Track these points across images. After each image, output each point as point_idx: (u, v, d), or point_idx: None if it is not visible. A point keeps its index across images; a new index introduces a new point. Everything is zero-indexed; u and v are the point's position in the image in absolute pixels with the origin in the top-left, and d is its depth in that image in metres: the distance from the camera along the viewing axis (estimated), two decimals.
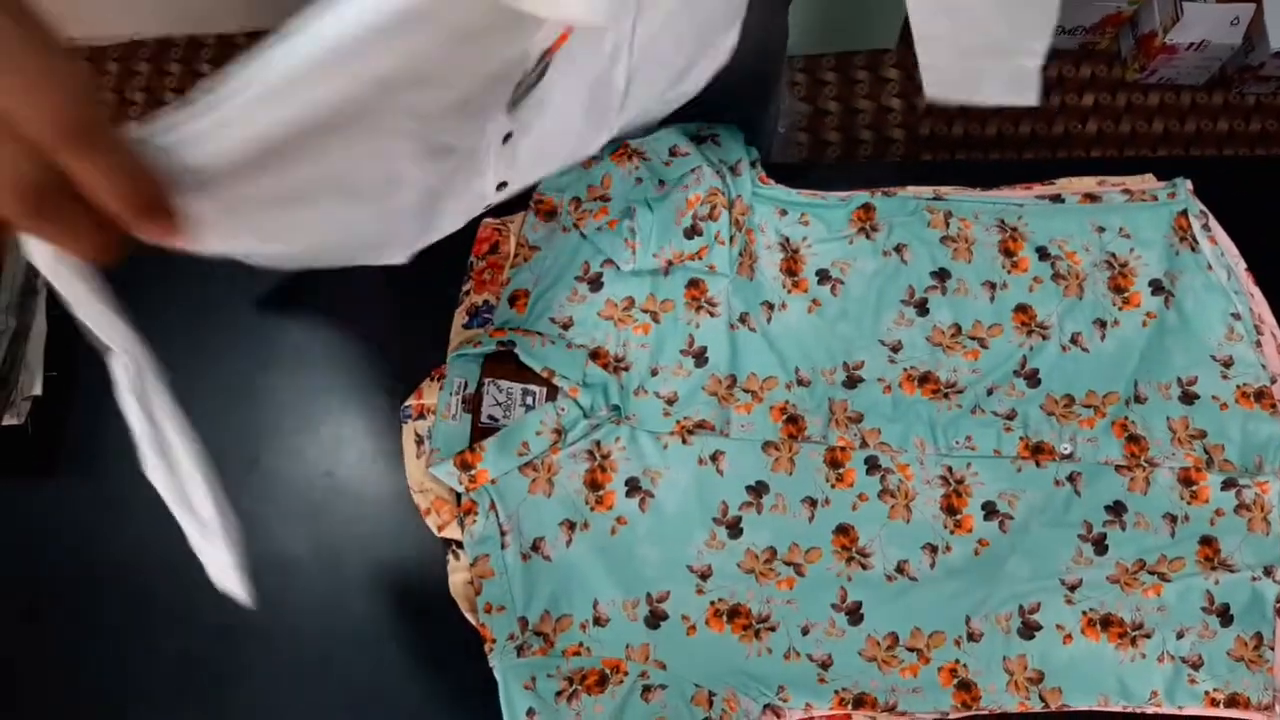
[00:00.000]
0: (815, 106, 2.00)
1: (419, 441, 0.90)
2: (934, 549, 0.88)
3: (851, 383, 0.93)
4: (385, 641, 0.87)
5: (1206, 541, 0.87)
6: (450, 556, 0.87)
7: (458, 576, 0.87)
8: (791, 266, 0.97)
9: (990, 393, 0.92)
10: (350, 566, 0.90)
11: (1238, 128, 2.04)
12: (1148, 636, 0.85)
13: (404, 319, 0.97)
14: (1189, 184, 1.00)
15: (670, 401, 0.92)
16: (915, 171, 1.10)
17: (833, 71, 2.03)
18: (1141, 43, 1.98)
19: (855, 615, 0.86)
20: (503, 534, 0.86)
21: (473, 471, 0.87)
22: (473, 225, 0.97)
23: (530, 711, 0.81)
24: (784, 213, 0.99)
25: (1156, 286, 0.96)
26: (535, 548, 0.87)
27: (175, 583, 0.89)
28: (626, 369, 0.93)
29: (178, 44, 2.05)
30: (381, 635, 0.87)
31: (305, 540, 0.91)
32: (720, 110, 0.99)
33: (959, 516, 0.89)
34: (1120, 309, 0.96)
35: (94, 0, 2.00)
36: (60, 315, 0.97)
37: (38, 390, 0.93)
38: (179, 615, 0.88)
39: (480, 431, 0.89)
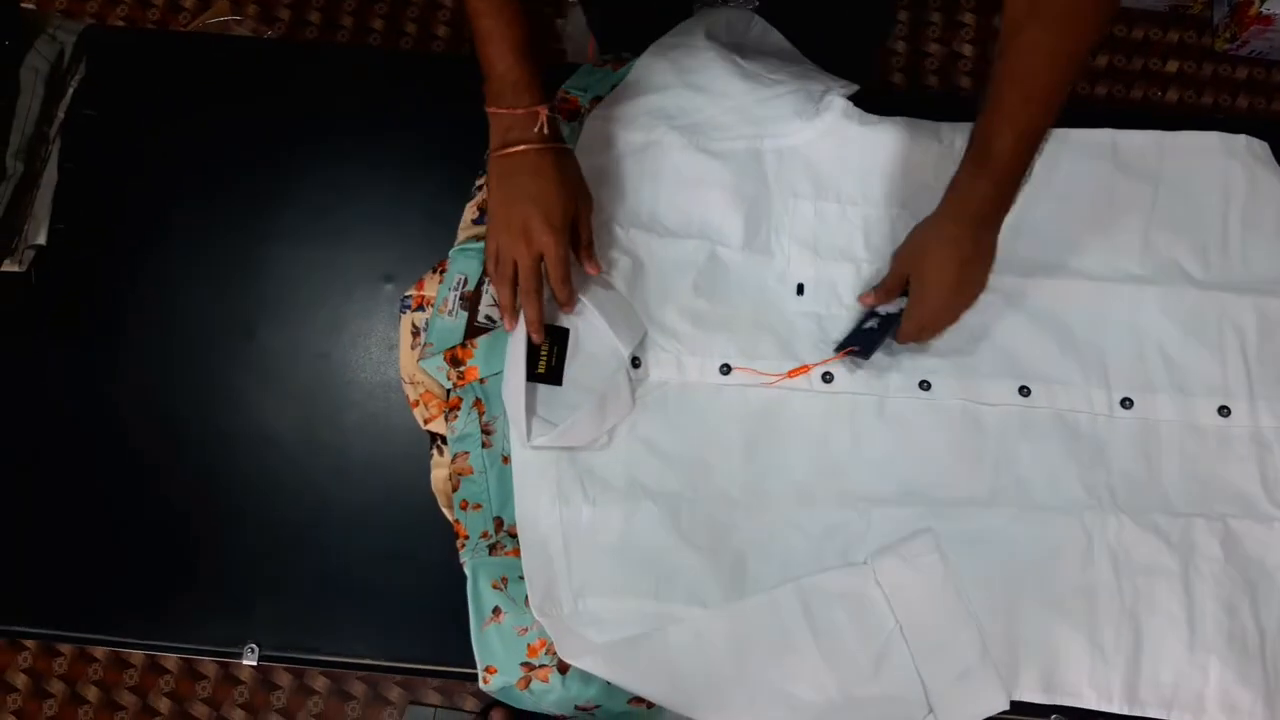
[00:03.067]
0: (883, 46, 1.92)
1: (415, 333, 0.88)
2: None
3: None
4: (361, 529, 0.86)
5: None
6: (434, 451, 0.86)
7: (439, 471, 0.85)
8: None
9: None
10: (334, 451, 0.89)
11: None
12: None
13: (415, 206, 0.95)
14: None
15: None
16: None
17: (905, 10, 1.94)
18: (1236, 11, 1.87)
19: None
20: (485, 434, 0.84)
21: (462, 368, 0.85)
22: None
23: (496, 610, 0.80)
24: None
25: None
26: None
27: (158, 445, 0.89)
28: None
29: None
30: (358, 522, 0.87)
31: (293, 420, 0.90)
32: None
33: None
34: None
35: None
36: (73, 168, 0.96)
37: (42, 240, 0.92)
38: (159, 478, 0.88)
39: (476, 330, 0.87)
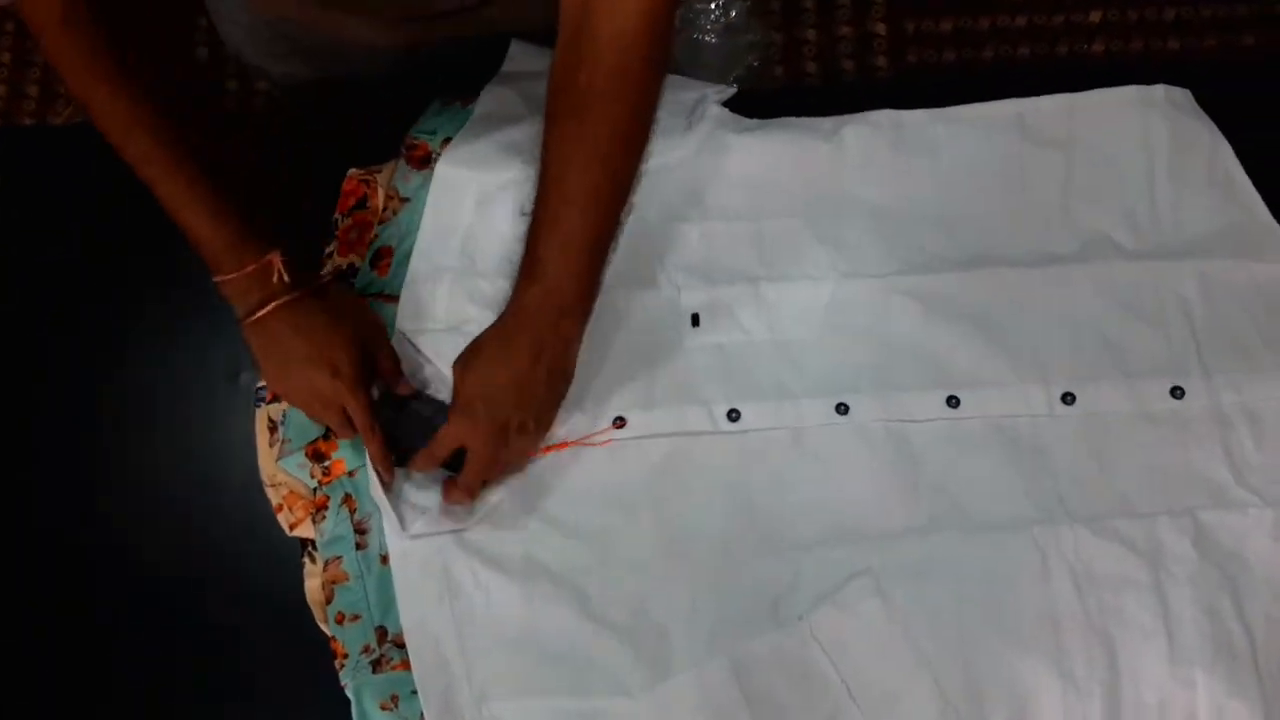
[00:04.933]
0: (791, 35, 1.84)
1: (272, 428, 0.79)
2: None
3: None
4: (236, 652, 0.77)
5: None
6: (306, 559, 0.77)
7: (313, 581, 0.76)
8: None
9: None
10: (201, 567, 0.80)
11: (1265, 41, 1.85)
12: None
13: None
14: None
15: None
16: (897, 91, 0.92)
17: None
18: None
19: None
20: (359, 533, 0.75)
21: (327, 463, 0.76)
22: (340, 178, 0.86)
23: None
24: None
25: None
26: None
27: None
28: None
29: None
30: (232, 644, 0.77)
31: (154, 538, 0.80)
32: None
33: None
34: None
35: None
36: None
37: None
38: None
39: None
